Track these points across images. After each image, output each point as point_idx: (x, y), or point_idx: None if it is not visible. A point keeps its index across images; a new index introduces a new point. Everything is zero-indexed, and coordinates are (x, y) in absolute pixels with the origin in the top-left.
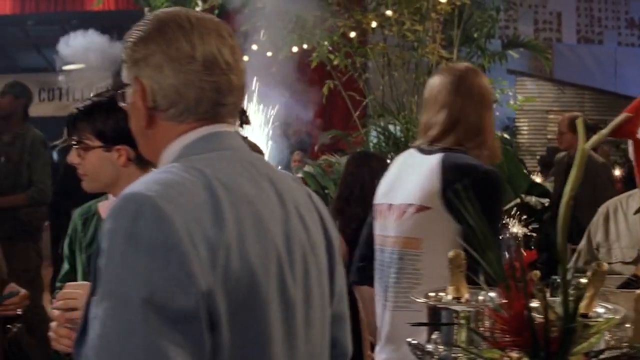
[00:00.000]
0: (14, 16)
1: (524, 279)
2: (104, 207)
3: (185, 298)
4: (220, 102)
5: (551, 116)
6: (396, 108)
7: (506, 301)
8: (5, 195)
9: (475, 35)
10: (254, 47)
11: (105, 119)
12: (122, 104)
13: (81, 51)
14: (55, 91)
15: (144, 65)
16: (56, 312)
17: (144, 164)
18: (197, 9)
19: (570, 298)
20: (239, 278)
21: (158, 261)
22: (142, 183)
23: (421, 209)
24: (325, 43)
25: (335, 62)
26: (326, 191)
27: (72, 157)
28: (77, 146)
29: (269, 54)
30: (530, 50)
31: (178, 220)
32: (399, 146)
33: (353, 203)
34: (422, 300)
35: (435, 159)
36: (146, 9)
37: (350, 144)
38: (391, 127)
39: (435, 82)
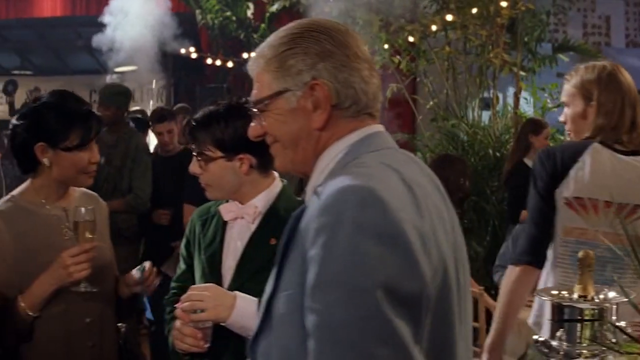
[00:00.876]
0: (65, 18)
1: None
2: (226, 209)
3: (413, 283)
4: (379, 100)
5: None
6: (459, 111)
7: None
8: (105, 199)
9: (526, 39)
10: None
11: (224, 128)
12: (276, 111)
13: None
14: None
15: (324, 66)
16: (181, 312)
17: (266, 170)
18: (249, 12)
19: None
20: (437, 267)
21: (388, 248)
22: (354, 176)
23: None
24: (386, 46)
25: (401, 66)
26: None
27: (194, 168)
28: (198, 158)
29: None
30: (580, 54)
31: (397, 209)
32: (464, 148)
33: None
34: (547, 298)
35: None
36: (197, 11)
37: (416, 146)
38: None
39: (602, 84)
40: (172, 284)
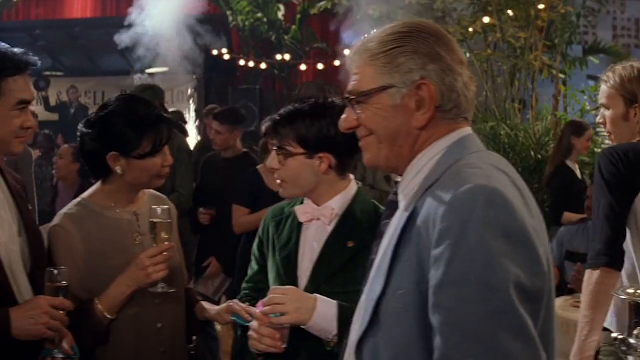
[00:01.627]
0: (96, 19)
1: None
2: (302, 210)
3: (538, 280)
4: (474, 106)
5: None
6: (499, 113)
7: None
8: None
9: (556, 41)
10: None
11: (309, 126)
12: (377, 105)
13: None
14: None
15: (433, 68)
16: (261, 315)
17: (344, 172)
18: (280, 14)
19: None
20: (545, 264)
21: (515, 247)
22: (474, 177)
23: None
24: None
25: None
26: None
27: (273, 163)
28: (279, 152)
29: None
30: (611, 57)
31: (518, 209)
32: (505, 150)
33: None
34: (625, 297)
35: None
36: (228, 13)
37: None
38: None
39: None
40: (244, 285)
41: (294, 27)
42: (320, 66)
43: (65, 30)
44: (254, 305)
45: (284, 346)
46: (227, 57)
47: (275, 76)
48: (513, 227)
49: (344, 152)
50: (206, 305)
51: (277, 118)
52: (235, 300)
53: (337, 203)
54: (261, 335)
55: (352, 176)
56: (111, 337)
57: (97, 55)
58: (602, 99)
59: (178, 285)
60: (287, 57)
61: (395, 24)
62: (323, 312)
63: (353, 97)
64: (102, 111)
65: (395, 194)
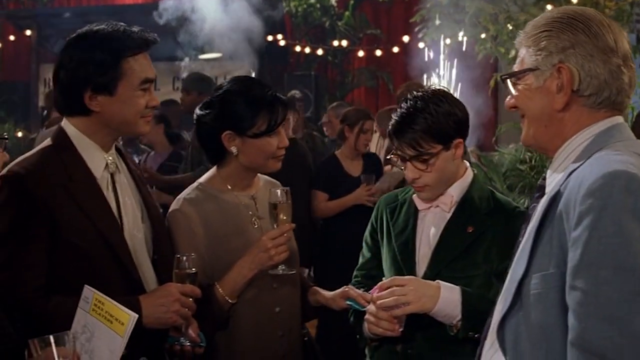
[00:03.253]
0: (148, 4)
1: None
2: (420, 198)
3: None
4: (628, 96)
5: None
6: None
7: None
8: None
9: None
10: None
11: (436, 119)
12: (525, 86)
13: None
14: None
15: (572, 52)
16: (377, 298)
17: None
18: None
19: None
20: None
21: None
22: (614, 162)
23: None
24: (483, 36)
25: (510, 56)
26: (493, 183)
27: (412, 174)
28: (418, 159)
29: (422, 44)
30: None
31: None
32: None
33: None
34: None
35: None
36: None
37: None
38: None
39: None
40: (355, 272)
41: (347, 13)
42: (378, 52)
43: (117, 16)
44: (367, 292)
45: (401, 329)
46: (282, 42)
47: (328, 62)
48: None
49: (467, 132)
50: (320, 290)
51: (397, 127)
52: (351, 286)
53: (456, 190)
54: (378, 319)
55: (467, 162)
56: (230, 321)
57: None
58: None
59: (295, 267)
60: (344, 43)
61: (555, 9)
62: (447, 298)
63: (506, 77)
64: (217, 91)
65: (544, 178)
